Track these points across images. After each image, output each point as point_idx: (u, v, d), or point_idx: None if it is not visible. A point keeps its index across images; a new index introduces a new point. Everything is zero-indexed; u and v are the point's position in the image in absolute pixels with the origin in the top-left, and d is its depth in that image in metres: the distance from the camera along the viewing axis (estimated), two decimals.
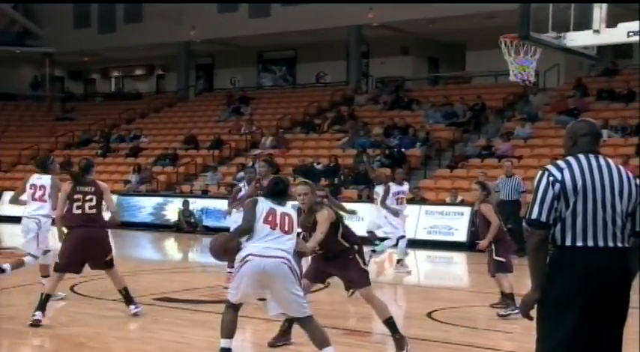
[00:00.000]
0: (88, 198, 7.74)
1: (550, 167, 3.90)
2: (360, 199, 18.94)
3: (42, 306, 7.39)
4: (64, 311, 8.29)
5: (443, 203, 17.82)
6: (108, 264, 7.86)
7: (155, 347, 6.71)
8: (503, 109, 23.16)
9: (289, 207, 5.77)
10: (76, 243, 7.60)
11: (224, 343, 5.66)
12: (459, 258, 15.57)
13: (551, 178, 3.83)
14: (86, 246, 7.63)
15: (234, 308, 5.64)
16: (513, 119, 22.03)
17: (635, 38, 8.52)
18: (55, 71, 34.89)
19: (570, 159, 3.90)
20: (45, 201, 8.69)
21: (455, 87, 26.86)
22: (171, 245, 18.53)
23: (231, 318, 5.64)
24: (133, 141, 27.06)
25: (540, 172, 3.90)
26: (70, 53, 32.68)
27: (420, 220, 17.19)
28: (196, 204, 20.36)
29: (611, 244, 3.80)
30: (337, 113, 25.00)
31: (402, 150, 21.19)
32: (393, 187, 12.37)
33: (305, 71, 30.47)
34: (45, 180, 8.76)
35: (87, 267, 7.85)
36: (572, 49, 8.98)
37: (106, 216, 8.08)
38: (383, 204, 12.19)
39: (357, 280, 6.40)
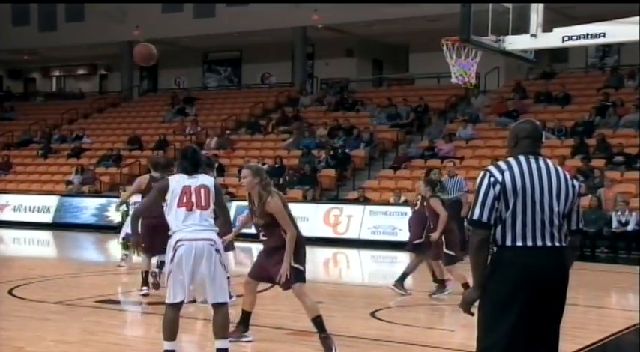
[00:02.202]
0: None
1: (491, 168, 3.98)
2: (305, 200, 18.99)
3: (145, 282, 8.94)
4: (4, 314, 8.12)
5: (387, 203, 17.97)
6: None
7: (96, 350, 6.62)
8: (445, 111, 23.48)
9: (204, 179, 5.61)
10: (148, 232, 8.40)
11: (167, 345, 5.56)
12: (403, 257, 15.67)
13: (492, 179, 3.91)
14: (155, 234, 8.33)
15: (175, 307, 5.54)
16: (455, 120, 22.37)
17: (570, 43, 8.77)
18: None
19: (511, 160, 3.98)
20: None
21: (398, 88, 27.12)
22: (114, 246, 18.25)
23: (173, 319, 5.54)
24: (76, 142, 26.61)
25: (482, 173, 3.98)
26: (9, 51, 31.96)
27: (364, 220, 17.34)
28: None
29: (549, 244, 3.90)
30: (282, 114, 25.03)
31: (347, 150, 21.34)
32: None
33: (250, 72, 30.38)
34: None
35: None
36: (511, 53, 9.18)
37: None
38: None
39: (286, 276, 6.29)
